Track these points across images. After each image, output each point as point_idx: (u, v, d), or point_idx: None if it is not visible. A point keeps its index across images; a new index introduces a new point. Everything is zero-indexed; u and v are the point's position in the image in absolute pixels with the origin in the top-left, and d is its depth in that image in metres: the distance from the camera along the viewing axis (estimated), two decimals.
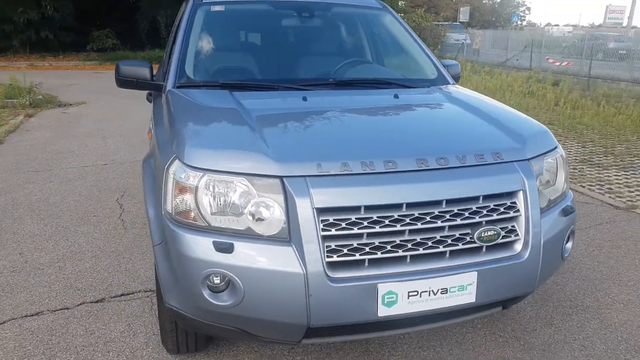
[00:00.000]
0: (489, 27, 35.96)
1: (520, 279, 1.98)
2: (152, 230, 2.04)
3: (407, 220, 1.82)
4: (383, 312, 1.79)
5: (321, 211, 1.75)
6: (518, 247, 1.96)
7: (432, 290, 1.82)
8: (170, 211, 1.91)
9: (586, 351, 2.54)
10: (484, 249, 1.92)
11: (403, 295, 1.80)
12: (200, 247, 1.80)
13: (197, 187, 1.83)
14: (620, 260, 3.55)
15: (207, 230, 1.83)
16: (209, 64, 2.95)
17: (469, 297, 1.88)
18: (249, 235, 1.79)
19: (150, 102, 3.58)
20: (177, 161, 1.91)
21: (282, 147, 1.90)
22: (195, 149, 1.89)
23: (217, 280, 1.80)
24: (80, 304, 2.94)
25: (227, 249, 1.76)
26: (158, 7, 21.94)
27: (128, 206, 4.46)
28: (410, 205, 1.82)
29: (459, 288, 1.86)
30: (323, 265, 1.73)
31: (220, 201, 1.82)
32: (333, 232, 1.76)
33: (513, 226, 1.96)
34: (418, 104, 2.60)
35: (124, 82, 2.89)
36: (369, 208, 1.79)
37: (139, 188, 4.83)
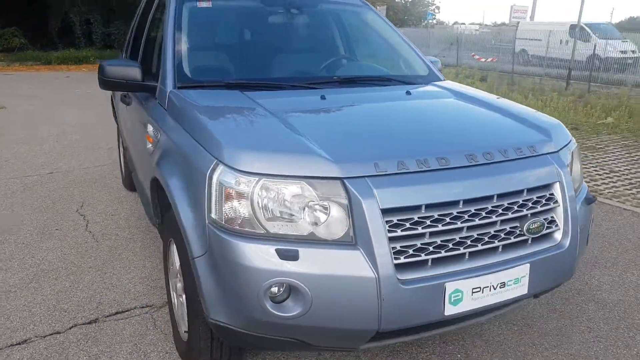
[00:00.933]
0: (402, 25, 37.07)
1: (563, 267, 2.04)
2: (191, 242, 1.89)
3: (465, 217, 1.82)
4: (449, 310, 1.78)
5: (386, 212, 1.71)
6: (558, 236, 2.03)
7: (493, 286, 1.84)
8: (216, 219, 1.78)
9: (593, 332, 2.69)
10: (529, 241, 1.97)
11: (467, 292, 1.79)
12: (261, 255, 1.69)
13: (252, 193, 1.72)
14: (591, 243, 3.79)
15: (265, 237, 1.72)
16: (207, 64, 2.80)
17: (522, 289, 1.92)
18: (312, 240, 1.71)
19: (127, 104, 3.34)
20: (222, 166, 1.79)
21: (334, 148, 1.82)
22: (246, 153, 1.77)
23: (278, 290, 1.71)
24: (72, 326, 2.68)
25: (293, 256, 1.67)
26: (71, 3, 20.59)
27: (92, 217, 4.13)
28: (466, 202, 1.82)
29: (515, 281, 1.89)
30: (393, 268, 1.68)
31: (278, 206, 1.72)
32: (399, 232, 1.72)
33: (552, 217, 2.02)
34: (433, 100, 2.61)
35: (111, 83, 2.67)
36: (430, 206, 1.77)
37: (100, 198, 4.53)
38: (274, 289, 1.71)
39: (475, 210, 1.83)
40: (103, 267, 3.31)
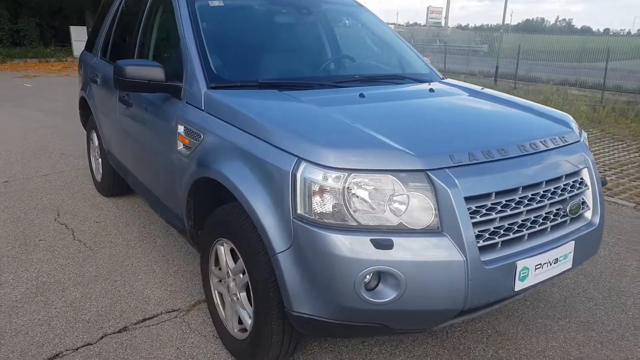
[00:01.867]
0: None
1: (593, 243, 2.30)
2: (271, 238, 1.93)
3: (525, 201, 2.01)
4: (518, 286, 1.97)
5: (467, 200, 1.85)
6: (589, 216, 2.28)
7: (549, 262, 2.05)
8: (304, 214, 1.84)
9: (592, 302, 3.01)
10: (568, 221, 2.20)
11: (532, 269, 1.99)
12: (357, 246, 1.77)
13: (342, 188, 1.80)
14: None
15: (357, 229, 1.80)
16: (233, 64, 2.79)
17: (568, 264, 2.15)
18: (402, 230, 1.82)
19: (128, 106, 3.24)
20: (305, 163, 1.84)
21: (408, 143, 1.94)
22: (333, 150, 1.84)
23: (370, 278, 1.80)
24: (103, 336, 2.59)
25: (388, 245, 1.77)
26: None
27: (76, 225, 3.94)
28: (524, 188, 2.02)
29: (564, 257, 2.11)
30: (478, 251, 1.84)
31: (367, 199, 1.81)
32: (478, 218, 1.87)
33: (583, 199, 2.27)
34: (455, 97, 2.79)
35: (131, 84, 2.61)
36: (498, 194, 1.94)
37: (75, 205, 4.33)
38: (370, 277, 1.81)
39: (531, 195, 2.03)
40: (109, 275, 3.20)
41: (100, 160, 4.43)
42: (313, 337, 2.20)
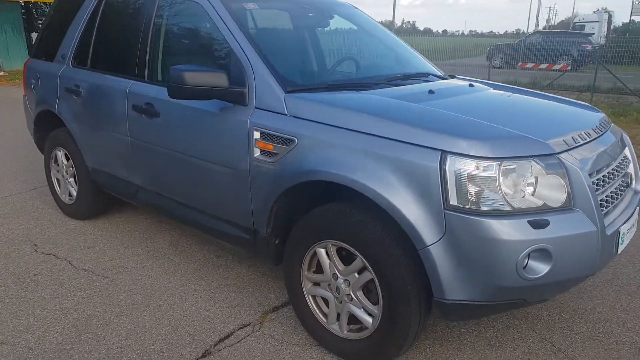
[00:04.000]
0: None
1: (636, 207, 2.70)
2: (420, 232, 1.98)
3: (610, 176, 2.32)
4: (619, 249, 2.26)
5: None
6: (633, 184, 2.68)
7: (631, 227, 2.38)
8: (458, 204, 1.93)
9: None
10: (633, 192, 2.57)
11: (624, 233, 2.29)
12: (517, 228, 1.91)
13: (496, 176, 1.93)
14: None
15: (513, 213, 1.94)
16: (293, 68, 2.76)
17: (635, 227, 2.51)
18: (547, 209, 2.00)
19: (151, 116, 3.00)
20: (453, 156, 1.94)
21: (526, 131, 2.13)
22: (482, 141, 1.96)
23: (528, 255, 1.96)
24: None
25: (545, 224, 1.94)
26: None
27: (65, 254, 3.52)
28: (608, 165, 2.32)
29: (635, 222, 2.46)
30: (603, 221, 2.09)
31: (517, 184, 1.96)
32: (597, 192, 2.13)
33: (629, 172, 2.66)
34: (493, 91, 3.03)
35: (192, 92, 2.47)
36: (598, 170, 2.22)
37: (50, 233, 3.88)
38: (528, 255, 1.96)
39: (612, 168, 2.35)
40: (148, 301, 2.94)
41: (71, 180, 3.99)
42: (455, 322, 2.24)
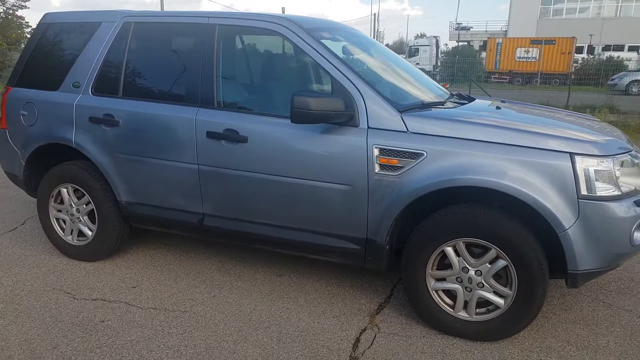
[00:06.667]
0: None
1: None
2: (560, 218, 2.46)
3: None
4: None
5: None
6: None
7: None
8: (588, 193, 2.47)
9: None
10: None
11: None
12: (629, 207, 2.52)
13: (612, 169, 2.51)
14: None
15: (623, 196, 2.54)
16: (389, 91, 3.04)
17: None
18: (636, 192, 2.63)
19: (236, 142, 3.03)
20: (581, 157, 2.48)
21: (601, 134, 2.78)
22: (599, 143, 2.56)
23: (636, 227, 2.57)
24: None
25: None
26: None
27: (116, 296, 3.28)
28: None
29: None
30: None
31: (622, 173, 2.56)
32: None
33: None
34: (519, 107, 3.67)
35: (316, 116, 2.69)
36: None
37: (74, 277, 3.54)
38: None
39: None
40: (251, 326, 2.95)
41: (85, 218, 3.68)
42: (576, 287, 2.70)
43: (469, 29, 44.81)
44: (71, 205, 3.71)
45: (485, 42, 36.20)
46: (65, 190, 3.70)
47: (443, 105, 3.17)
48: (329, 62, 2.92)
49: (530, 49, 29.37)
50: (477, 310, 2.79)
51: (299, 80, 3.04)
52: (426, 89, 3.46)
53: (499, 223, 2.60)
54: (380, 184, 2.77)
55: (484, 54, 32.82)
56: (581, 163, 2.48)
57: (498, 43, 30.70)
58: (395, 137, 2.74)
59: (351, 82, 2.85)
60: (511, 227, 2.58)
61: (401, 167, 2.72)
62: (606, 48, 37.17)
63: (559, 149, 2.53)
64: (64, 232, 3.81)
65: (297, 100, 2.66)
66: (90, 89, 3.50)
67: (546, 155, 2.53)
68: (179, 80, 3.28)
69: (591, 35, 33.83)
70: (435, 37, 35.84)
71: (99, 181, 3.54)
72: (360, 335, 2.86)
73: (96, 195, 3.58)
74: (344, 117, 2.78)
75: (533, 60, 29.30)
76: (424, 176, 2.67)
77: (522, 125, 2.80)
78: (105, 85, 3.48)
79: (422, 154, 2.68)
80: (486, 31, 43.28)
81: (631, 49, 36.58)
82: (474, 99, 3.55)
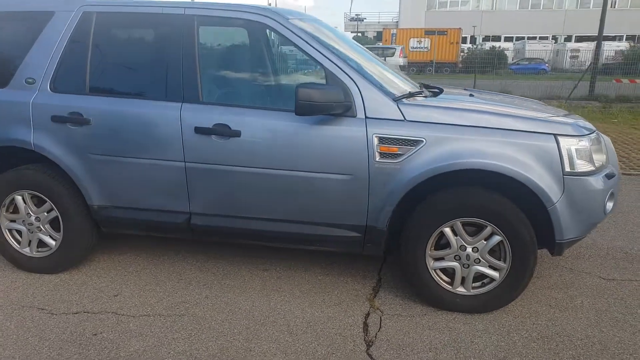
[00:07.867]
0: None
1: None
2: (549, 194, 2.71)
3: None
4: None
5: None
6: None
7: None
8: (571, 170, 2.75)
9: None
10: None
11: None
12: (602, 180, 2.84)
13: (589, 147, 2.82)
14: None
15: (597, 171, 2.85)
16: (379, 81, 3.09)
17: None
18: (602, 167, 2.95)
19: (227, 137, 2.95)
20: (564, 137, 2.75)
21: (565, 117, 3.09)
22: (578, 126, 2.83)
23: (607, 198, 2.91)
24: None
25: (613, 175, 2.92)
26: None
27: (96, 307, 3.07)
28: None
29: None
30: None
31: (595, 151, 2.88)
32: None
33: None
34: (490, 96, 3.91)
35: (318, 107, 2.73)
36: None
37: (29, 293, 3.31)
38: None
39: None
40: (258, 322, 2.92)
41: (46, 227, 3.37)
42: (560, 255, 2.99)
43: (362, 20, 46.23)
44: (28, 214, 3.38)
45: (379, 33, 37.59)
46: (20, 197, 3.35)
47: (422, 94, 3.32)
48: (321, 53, 2.94)
49: (423, 39, 31.03)
50: (473, 284, 2.99)
51: (295, 72, 3.03)
52: (400, 79, 3.59)
53: (494, 202, 2.80)
54: (382, 172, 2.85)
55: (379, 44, 34.07)
56: (564, 143, 2.75)
57: (393, 34, 32.05)
58: (395, 126, 2.84)
59: (345, 72, 2.90)
60: (505, 206, 2.79)
61: (401, 155, 2.82)
62: (486, 38, 40.45)
63: (545, 131, 2.78)
64: (19, 244, 3.46)
65: (301, 93, 2.66)
66: (49, 85, 3.20)
67: (535, 138, 2.77)
68: (156, 75, 3.10)
69: (474, 26, 36.47)
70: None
71: (64, 185, 3.26)
72: (366, 320, 2.95)
73: (61, 201, 3.29)
74: (342, 108, 2.82)
75: (425, 50, 30.99)
76: (424, 162, 2.80)
77: (510, 111, 3.03)
78: (66, 81, 3.19)
79: (422, 141, 2.80)
80: (379, 22, 44.94)
81: (507, 39, 40.08)
82: (442, 90, 3.75)
